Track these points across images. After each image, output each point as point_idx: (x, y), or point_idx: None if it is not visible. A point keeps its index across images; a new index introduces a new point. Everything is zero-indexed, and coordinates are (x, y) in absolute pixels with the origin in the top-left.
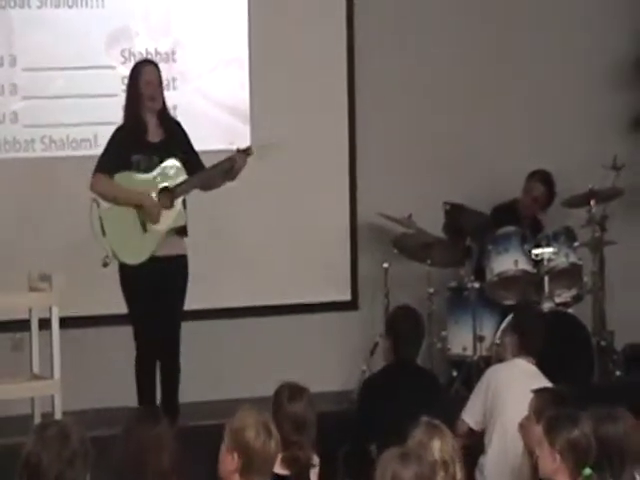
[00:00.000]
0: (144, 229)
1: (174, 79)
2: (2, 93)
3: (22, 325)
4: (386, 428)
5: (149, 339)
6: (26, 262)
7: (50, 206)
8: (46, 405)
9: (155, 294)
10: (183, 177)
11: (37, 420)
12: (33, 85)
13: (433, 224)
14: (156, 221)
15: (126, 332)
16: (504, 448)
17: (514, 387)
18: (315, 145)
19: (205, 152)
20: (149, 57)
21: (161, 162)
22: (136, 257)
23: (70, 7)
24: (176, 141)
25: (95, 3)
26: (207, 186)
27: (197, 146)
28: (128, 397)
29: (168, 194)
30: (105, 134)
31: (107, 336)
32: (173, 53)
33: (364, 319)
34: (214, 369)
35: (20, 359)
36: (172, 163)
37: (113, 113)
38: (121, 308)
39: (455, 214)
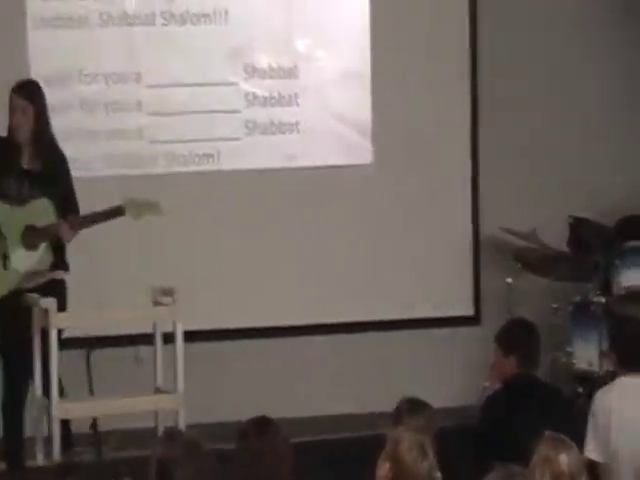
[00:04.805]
0: (4, 265)
1: (296, 95)
2: (127, 109)
3: (146, 339)
4: (510, 443)
5: (16, 373)
6: (150, 277)
7: (173, 222)
8: (169, 418)
9: (21, 328)
10: (51, 218)
11: (161, 433)
12: (157, 101)
13: (557, 238)
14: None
15: (248, 345)
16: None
17: (622, 411)
18: (437, 159)
19: (326, 167)
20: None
21: (31, 191)
22: None
23: (194, 24)
24: (49, 174)
25: (218, 20)
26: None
27: (318, 161)
28: (250, 411)
29: (33, 234)
30: (228, 150)
31: (230, 349)
32: (295, 68)
33: (487, 334)
34: (333, 383)
35: (144, 373)
36: (42, 202)
37: (236, 129)
38: (242, 322)
39: (580, 228)
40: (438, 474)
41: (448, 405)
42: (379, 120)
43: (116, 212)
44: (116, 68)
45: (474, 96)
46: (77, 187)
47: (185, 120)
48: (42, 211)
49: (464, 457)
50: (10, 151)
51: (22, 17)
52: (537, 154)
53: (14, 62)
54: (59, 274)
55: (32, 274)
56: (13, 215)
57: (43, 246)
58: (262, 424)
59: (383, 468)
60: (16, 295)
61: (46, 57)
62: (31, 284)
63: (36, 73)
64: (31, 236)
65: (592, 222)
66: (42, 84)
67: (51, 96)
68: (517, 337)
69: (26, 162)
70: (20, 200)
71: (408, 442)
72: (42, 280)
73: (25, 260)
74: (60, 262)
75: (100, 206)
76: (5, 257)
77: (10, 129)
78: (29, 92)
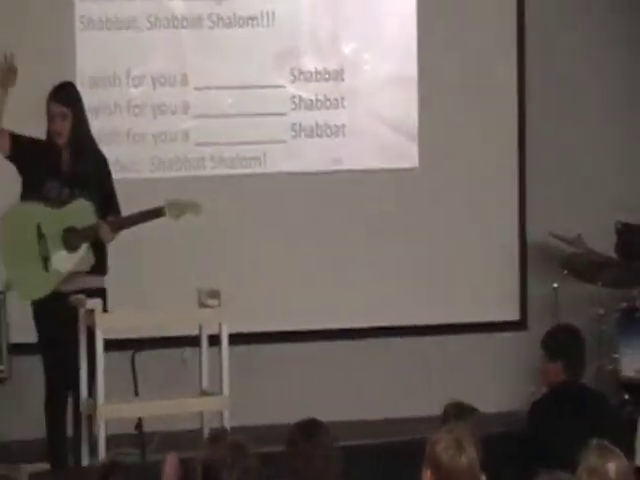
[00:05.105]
0: (45, 267)
1: (342, 98)
2: (174, 112)
3: (192, 341)
4: (555, 450)
5: (55, 374)
6: (196, 279)
7: (220, 224)
8: (214, 420)
9: (62, 329)
10: (91, 220)
11: (206, 435)
12: (204, 104)
13: (604, 244)
14: None
15: (293, 348)
16: None
17: None
18: (484, 163)
19: (372, 171)
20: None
21: (71, 193)
22: (31, 295)
23: (241, 27)
24: (89, 176)
25: (265, 23)
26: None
27: (364, 165)
28: (295, 413)
29: (74, 235)
30: (274, 152)
31: (275, 352)
32: (342, 72)
33: (533, 339)
34: (378, 387)
35: (189, 375)
36: (82, 203)
37: (282, 131)
38: (288, 325)
39: (627, 233)
40: (483, 477)
41: (494, 410)
42: (425, 123)
43: (156, 213)
44: (163, 70)
45: (521, 100)
46: (123, 189)
47: (231, 123)
48: (82, 212)
49: (510, 462)
50: (50, 155)
51: (71, 19)
52: (585, 159)
53: (62, 63)
54: (97, 281)
55: (73, 275)
56: (54, 217)
57: (84, 247)
58: (311, 427)
59: (425, 475)
60: (57, 296)
61: (94, 59)
62: (70, 287)
63: (83, 74)
64: (72, 237)
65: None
66: (89, 86)
67: (98, 97)
68: (563, 343)
69: (66, 165)
70: (60, 203)
71: (444, 441)
72: (81, 285)
73: (66, 261)
74: (99, 265)
75: (146, 208)
76: (46, 259)
77: (49, 134)
78: (67, 97)
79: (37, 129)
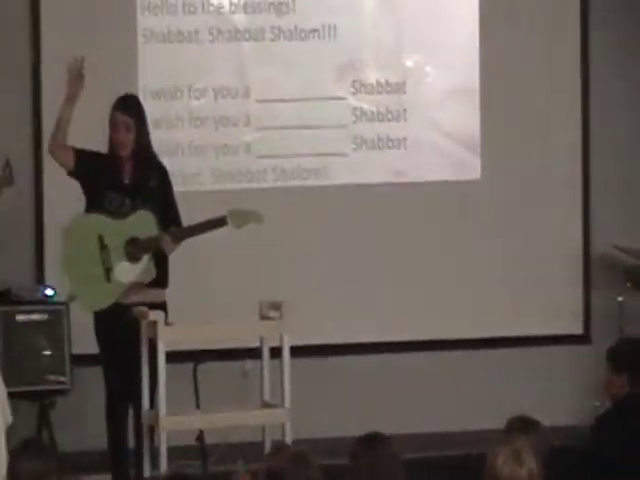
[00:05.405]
0: (107, 278)
1: (404, 110)
2: (236, 124)
3: (253, 353)
4: (620, 465)
5: (116, 386)
6: (257, 290)
7: (281, 236)
8: (276, 432)
9: (123, 341)
10: (153, 230)
11: (268, 447)
12: (265, 116)
13: None
14: None
15: (355, 361)
16: None
17: None
18: (547, 175)
19: (434, 183)
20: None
21: (133, 205)
22: (94, 306)
23: (302, 39)
24: (151, 187)
25: (327, 35)
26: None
27: (426, 177)
28: (357, 427)
29: (136, 246)
30: (335, 165)
31: (337, 364)
32: (403, 84)
33: (597, 353)
34: (441, 400)
35: (250, 387)
36: (144, 214)
37: (344, 144)
38: (350, 337)
39: None
40: None
41: (558, 424)
42: (487, 136)
43: (218, 222)
44: (225, 83)
45: (585, 111)
46: (185, 201)
47: (293, 135)
48: (144, 223)
49: (572, 476)
50: (112, 167)
51: (133, 32)
52: None
53: (124, 76)
54: (158, 295)
55: (135, 287)
56: (116, 228)
57: (146, 258)
58: (374, 440)
59: None
60: (119, 308)
61: (156, 71)
62: (131, 300)
63: (145, 87)
64: (134, 248)
65: None
66: (151, 98)
67: (160, 110)
68: (628, 355)
69: (128, 177)
70: (122, 214)
71: (503, 455)
72: (142, 299)
73: (128, 272)
74: (161, 278)
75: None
76: (109, 270)
77: (112, 145)
78: (131, 108)
79: (99, 141)
